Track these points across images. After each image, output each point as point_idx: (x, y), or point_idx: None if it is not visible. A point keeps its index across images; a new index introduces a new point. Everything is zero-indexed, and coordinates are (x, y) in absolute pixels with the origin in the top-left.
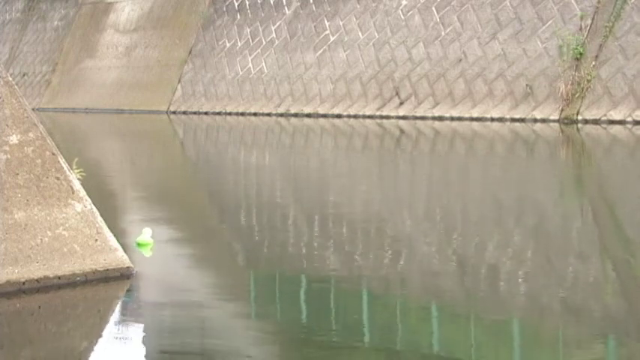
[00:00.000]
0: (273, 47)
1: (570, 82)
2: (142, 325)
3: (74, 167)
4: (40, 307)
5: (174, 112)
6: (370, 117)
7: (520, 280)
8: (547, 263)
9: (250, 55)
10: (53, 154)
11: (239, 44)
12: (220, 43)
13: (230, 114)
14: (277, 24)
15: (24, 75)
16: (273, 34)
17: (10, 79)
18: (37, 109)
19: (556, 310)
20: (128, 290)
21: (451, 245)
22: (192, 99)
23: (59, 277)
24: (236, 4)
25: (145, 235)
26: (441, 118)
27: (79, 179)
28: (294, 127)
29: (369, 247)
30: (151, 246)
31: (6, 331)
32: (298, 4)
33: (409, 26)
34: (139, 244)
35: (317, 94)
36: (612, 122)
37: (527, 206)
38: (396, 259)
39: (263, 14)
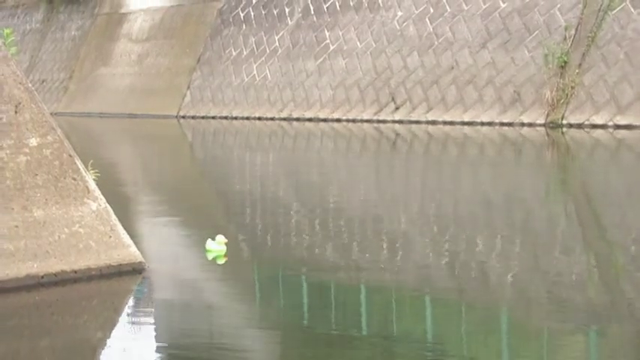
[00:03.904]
0: (277, 56)
1: (555, 89)
2: (153, 317)
3: (90, 168)
4: (57, 299)
5: (183, 117)
6: (368, 121)
7: (510, 276)
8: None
9: (255, 63)
10: (70, 155)
11: (244, 53)
12: (227, 51)
13: (236, 118)
14: (280, 34)
15: (43, 81)
16: (277, 44)
17: (30, 85)
18: (55, 114)
19: (544, 303)
20: (140, 284)
21: (447, 243)
22: (200, 104)
23: (75, 272)
24: (242, 15)
25: (213, 243)
26: (434, 123)
27: (94, 179)
28: (296, 130)
29: (364, 241)
30: (215, 253)
31: (26, 322)
32: (300, 15)
33: (404, 36)
34: (207, 251)
35: (317, 99)
36: (595, 126)
37: (516, 204)
38: (393, 252)
39: (267, 25)
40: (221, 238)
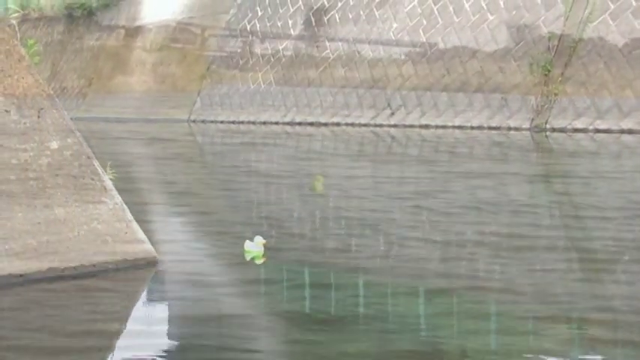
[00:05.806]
0: (281, 64)
1: (540, 96)
2: (166, 307)
3: (107, 169)
4: (77, 291)
5: (194, 121)
6: (365, 125)
7: (494, 268)
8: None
9: (260, 71)
10: (89, 157)
11: (251, 62)
12: (234, 60)
13: (243, 122)
14: (284, 44)
15: (64, 89)
16: (281, 53)
17: (52, 92)
18: (75, 118)
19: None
20: (154, 277)
21: (439, 234)
22: (209, 109)
23: (94, 265)
24: (248, 27)
25: (251, 244)
26: (427, 127)
27: (111, 179)
28: (298, 133)
29: (358, 232)
30: (253, 254)
31: (48, 312)
32: (302, 27)
33: (399, 46)
34: (246, 252)
35: (319, 105)
36: (576, 130)
37: (505, 197)
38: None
39: (272, 35)
40: (259, 239)
